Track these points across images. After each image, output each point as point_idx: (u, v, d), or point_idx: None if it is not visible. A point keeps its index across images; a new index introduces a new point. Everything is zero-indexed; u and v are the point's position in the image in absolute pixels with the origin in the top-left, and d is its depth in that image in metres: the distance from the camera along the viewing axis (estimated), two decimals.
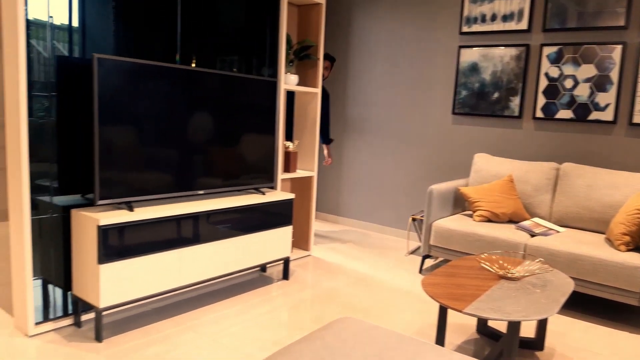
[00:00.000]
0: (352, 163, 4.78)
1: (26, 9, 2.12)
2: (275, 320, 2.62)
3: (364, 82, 4.65)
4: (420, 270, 3.55)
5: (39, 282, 2.32)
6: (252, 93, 3.01)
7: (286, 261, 3.23)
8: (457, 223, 3.28)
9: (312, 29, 3.71)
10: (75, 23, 2.32)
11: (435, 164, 4.24)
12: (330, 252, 3.95)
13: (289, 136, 3.94)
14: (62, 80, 2.29)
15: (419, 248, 4.19)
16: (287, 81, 3.50)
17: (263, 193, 3.14)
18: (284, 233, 3.16)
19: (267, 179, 3.20)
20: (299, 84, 3.81)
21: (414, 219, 3.93)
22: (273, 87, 3.15)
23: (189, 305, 2.75)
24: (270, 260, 3.09)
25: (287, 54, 3.51)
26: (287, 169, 3.60)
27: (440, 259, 3.92)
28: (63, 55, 2.28)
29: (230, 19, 3.07)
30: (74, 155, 2.37)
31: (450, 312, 2.86)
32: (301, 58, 3.64)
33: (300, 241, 3.86)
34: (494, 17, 3.84)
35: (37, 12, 2.19)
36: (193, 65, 2.87)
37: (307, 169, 3.81)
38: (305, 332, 2.49)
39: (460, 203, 3.71)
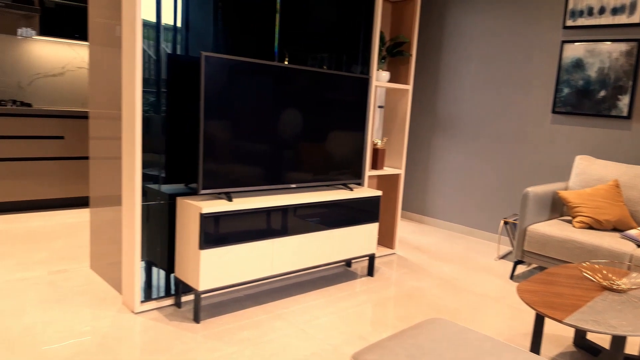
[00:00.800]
0: (441, 162, 4.68)
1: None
2: (360, 315, 2.64)
3: (456, 79, 4.53)
4: (512, 276, 3.41)
5: (144, 263, 2.51)
6: (344, 90, 3.05)
7: (371, 258, 3.24)
8: (555, 228, 3.11)
9: (406, 25, 3.67)
10: (179, 23, 2.47)
11: (532, 165, 4.05)
12: (415, 251, 3.90)
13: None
14: (171, 77, 2.45)
15: (510, 253, 4.03)
16: (379, 78, 3.49)
17: (351, 189, 3.17)
18: (370, 230, 3.17)
19: (355, 175, 3.22)
20: (389, 81, 3.79)
21: (506, 222, 3.78)
22: (365, 84, 3.16)
23: (279, 294, 2.85)
24: (356, 256, 3.11)
25: (380, 51, 3.51)
26: (375, 166, 3.60)
27: (534, 265, 3.74)
28: (174, 53, 2.44)
29: (324, 16, 3.11)
30: (180, 147, 2.53)
31: (545, 322, 2.72)
32: (394, 55, 3.62)
33: (385, 239, 3.85)
34: (602, 10, 3.58)
35: (145, 14, 2.36)
36: (286, 62, 2.95)
37: (394, 167, 3.79)
38: (390, 329, 2.49)
39: (558, 208, 3.51)
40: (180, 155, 2.54)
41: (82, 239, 3.57)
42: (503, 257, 3.90)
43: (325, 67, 3.18)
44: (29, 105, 4.26)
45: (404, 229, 4.60)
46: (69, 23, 4.42)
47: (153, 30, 2.38)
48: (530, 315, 2.80)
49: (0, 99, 4.36)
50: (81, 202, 4.51)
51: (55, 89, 4.67)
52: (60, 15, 4.35)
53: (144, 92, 2.39)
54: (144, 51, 2.36)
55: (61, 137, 4.24)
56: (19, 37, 4.41)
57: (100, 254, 2.90)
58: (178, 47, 2.47)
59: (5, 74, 4.37)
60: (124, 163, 2.44)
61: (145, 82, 2.38)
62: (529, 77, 4.03)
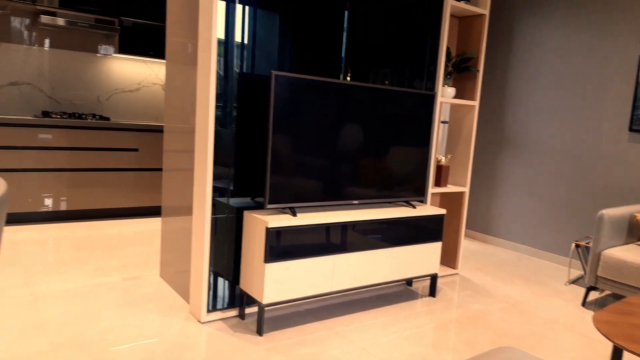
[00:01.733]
0: (507, 180, 4.54)
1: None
2: (422, 336, 2.59)
3: (524, 95, 4.39)
4: (584, 303, 3.23)
5: (211, 274, 2.59)
6: (409, 106, 3.03)
7: (433, 278, 3.18)
8: (633, 254, 2.93)
9: (473, 40, 3.61)
10: (247, 41, 2.55)
11: (605, 185, 3.84)
12: (479, 272, 3.79)
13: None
14: (240, 94, 2.54)
15: (581, 277, 3.83)
16: (444, 94, 3.45)
17: (413, 206, 3.13)
18: (433, 249, 3.11)
19: (417, 192, 3.18)
20: (455, 97, 3.73)
21: (577, 245, 3.60)
22: (431, 100, 3.13)
23: (339, 310, 2.85)
24: (418, 275, 3.07)
25: (446, 67, 3.47)
26: (438, 183, 3.54)
27: (607, 292, 3.53)
28: (244, 71, 2.53)
29: (389, 32, 3.12)
30: (247, 162, 2.61)
31: (625, 355, 2.56)
32: (460, 70, 3.57)
33: (448, 258, 3.77)
34: None
35: (217, 32, 2.46)
36: (349, 77, 2.98)
37: (458, 184, 3.71)
38: (453, 354, 2.42)
39: (635, 232, 3.31)
40: (247, 170, 2.61)
41: (154, 247, 3.74)
42: (574, 281, 3.71)
43: (388, 82, 3.18)
44: (107, 119, 4.53)
45: (467, 248, 4.49)
46: (145, 41, 4.68)
47: (222, 47, 2.48)
48: (606, 346, 2.64)
49: (81, 112, 4.67)
50: (153, 212, 4.72)
51: (131, 103, 4.95)
52: (137, 34, 4.62)
53: (218, 107, 2.48)
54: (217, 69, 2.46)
55: (136, 150, 4.47)
56: (100, 55, 4.71)
57: (169, 262, 3.03)
58: (245, 64, 2.55)
59: (87, 89, 4.68)
60: (196, 175, 2.54)
61: (220, 98, 2.48)
62: (603, 93, 3.84)
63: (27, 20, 4.31)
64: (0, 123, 3.82)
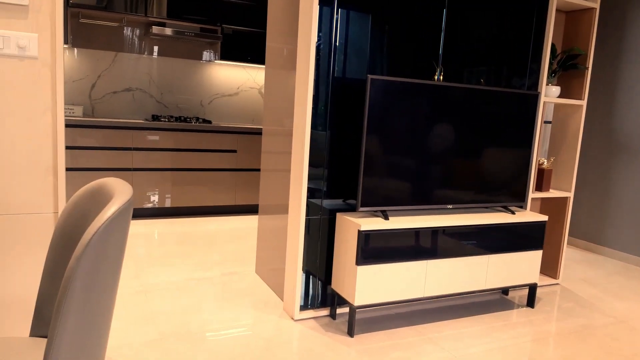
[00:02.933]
0: (617, 185, 4.19)
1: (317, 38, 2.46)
2: (519, 349, 2.47)
3: (636, 94, 4.02)
4: None
5: (304, 273, 2.66)
6: (509, 107, 2.90)
7: (532, 287, 3.02)
8: None
9: (581, 35, 3.37)
10: (339, 43, 2.58)
11: None
12: (583, 283, 3.53)
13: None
14: (336, 96, 2.58)
15: None
16: (548, 93, 3.26)
17: (512, 212, 2.99)
18: (533, 257, 2.96)
19: (517, 197, 3.04)
20: (560, 96, 3.51)
21: None
22: (534, 101, 2.97)
23: (431, 316, 2.80)
24: (515, 285, 2.93)
25: (550, 64, 3.27)
26: (540, 187, 3.36)
27: None
28: (338, 75, 2.57)
29: (489, 29, 3.01)
30: (340, 165, 2.65)
31: None
32: (566, 68, 3.35)
33: (548, 267, 3.56)
34: None
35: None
36: (441, 76, 2.90)
37: (562, 189, 3.49)
38: None
39: None
40: (340, 172, 2.65)
41: (250, 244, 3.91)
42: None
43: (483, 80, 3.06)
44: (209, 122, 4.81)
45: (570, 257, 4.20)
46: (244, 47, 4.90)
47: (318, 51, 2.53)
48: None
49: (186, 116, 5.00)
50: (250, 210, 4.94)
51: (230, 107, 5.21)
52: (237, 41, 4.85)
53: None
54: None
55: (234, 151, 4.70)
56: (203, 62, 5.01)
57: (264, 260, 3.16)
58: (338, 66, 2.58)
59: (191, 94, 5.00)
60: (293, 176, 2.62)
61: (315, 101, 2.55)
62: None
63: (139, 31, 4.69)
64: (116, 126, 4.20)
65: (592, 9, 3.29)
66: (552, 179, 3.56)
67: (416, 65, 2.80)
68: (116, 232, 0.94)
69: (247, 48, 4.91)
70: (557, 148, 3.54)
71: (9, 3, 1.80)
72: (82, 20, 4.40)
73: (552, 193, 3.37)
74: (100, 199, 1.11)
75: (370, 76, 2.42)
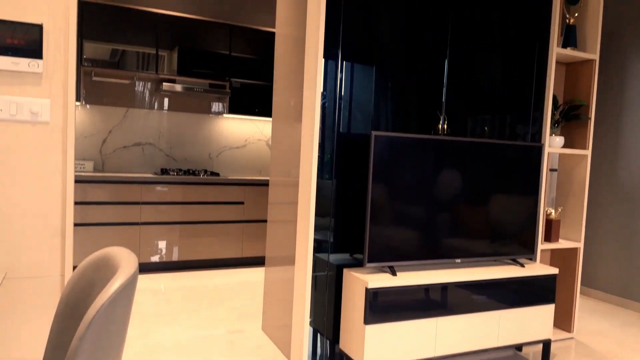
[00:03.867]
0: (627, 233, 4.13)
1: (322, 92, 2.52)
2: None
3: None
4: None
5: (311, 330, 2.61)
6: (514, 159, 2.92)
7: (546, 344, 2.93)
8: None
9: (582, 86, 3.42)
10: (344, 93, 2.64)
11: None
12: (599, 337, 3.43)
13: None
14: (342, 148, 2.61)
15: None
16: (552, 144, 3.28)
17: (522, 265, 2.95)
18: (545, 312, 2.89)
19: (525, 249, 3.00)
20: (564, 146, 3.53)
21: None
22: (538, 152, 2.99)
23: None
24: (528, 341, 2.85)
25: (553, 115, 3.31)
26: (549, 238, 3.32)
27: None
28: (342, 130, 2.61)
29: (491, 79, 3.06)
30: (347, 218, 2.65)
31: None
32: (569, 119, 3.38)
33: (561, 320, 3.47)
34: None
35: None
36: (445, 125, 2.94)
37: (571, 239, 3.45)
38: None
39: None
40: (347, 222, 2.65)
41: (257, 299, 3.87)
42: None
43: (487, 128, 3.09)
44: (217, 174, 4.86)
45: (583, 308, 4.10)
46: (251, 100, 5.01)
47: (323, 102, 2.58)
48: None
49: (194, 169, 5.06)
50: (257, 262, 4.91)
51: (238, 159, 5.28)
52: (244, 94, 4.97)
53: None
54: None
55: (241, 203, 4.73)
56: (212, 115, 5.12)
57: (271, 315, 3.11)
58: (343, 115, 2.63)
59: (200, 147, 5.08)
60: (299, 225, 2.62)
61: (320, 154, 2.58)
62: None
63: (150, 88, 4.83)
64: (125, 181, 4.25)
65: (591, 61, 3.36)
66: (560, 229, 3.53)
67: (420, 114, 2.85)
68: (120, 307, 0.94)
69: (255, 101, 5.03)
70: (564, 197, 3.53)
71: (24, 71, 1.87)
72: (94, 79, 4.55)
73: (562, 244, 3.33)
74: (105, 270, 1.11)
75: (374, 132, 2.45)
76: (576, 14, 3.39)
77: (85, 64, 4.28)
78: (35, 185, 1.91)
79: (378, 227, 2.50)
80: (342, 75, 2.61)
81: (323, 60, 2.52)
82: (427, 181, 2.64)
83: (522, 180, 2.97)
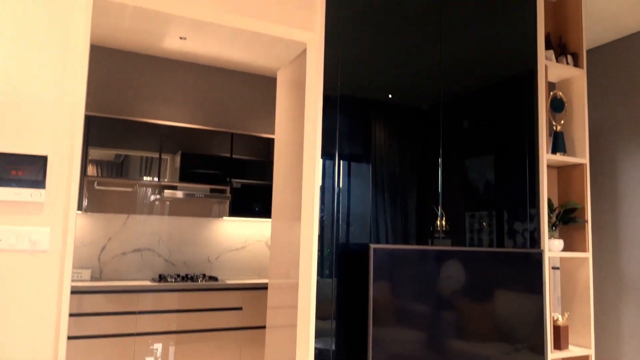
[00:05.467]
0: (638, 334, 4.00)
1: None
2: None
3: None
4: None
5: None
6: (514, 264, 2.89)
7: None
8: None
9: (575, 189, 3.48)
10: (341, 188, 2.67)
11: None
12: None
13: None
14: (339, 263, 2.60)
15: None
16: (551, 248, 3.27)
17: None
18: None
19: (535, 356, 2.89)
20: (564, 249, 3.51)
21: None
22: (538, 258, 2.97)
23: None
24: None
25: (549, 218, 3.33)
26: (558, 346, 3.20)
27: None
28: (341, 241, 2.62)
29: (483, 178, 3.12)
30: (347, 321, 2.57)
31: None
32: (566, 221, 3.40)
33: None
34: None
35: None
36: (444, 222, 2.94)
37: (581, 345, 3.33)
38: None
39: None
40: (348, 330, 2.56)
41: None
42: None
43: (485, 223, 3.09)
44: (215, 279, 4.80)
45: None
46: (251, 201, 5.07)
47: (321, 199, 2.61)
48: None
49: (193, 273, 5.01)
50: None
51: (237, 261, 5.23)
52: (244, 195, 5.04)
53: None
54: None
55: (240, 309, 4.62)
56: (212, 218, 5.16)
57: None
58: (342, 212, 2.64)
59: (199, 251, 5.06)
60: (299, 333, 2.53)
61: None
62: None
63: (151, 194, 4.91)
64: (122, 290, 4.19)
65: (582, 165, 3.44)
66: (570, 334, 3.42)
67: (418, 210, 2.86)
68: None
69: (255, 200, 5.09)
70: (569, 298, 3.45)
71: (26, 201, 1.91)
72: (97, 187, 4.64)
73: (572, 351, 3.21)
74: None
75: (372, 246, 2.46)
76: (562, 121, 3.53)
77: (89, 175, 4.38)
78: (29, 314, 1.88)
79: (381, 336, 2.42)
80: (339, 173, 2.66)
81: (321, 160, 2.60)
82: (429, 289, 2.60)
83: (525, 284, 2.92)
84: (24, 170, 1.88)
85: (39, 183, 1.91)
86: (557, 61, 3.49)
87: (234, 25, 2.46)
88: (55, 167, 1.95)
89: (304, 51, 2.85)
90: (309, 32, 2.66)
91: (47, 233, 1.92)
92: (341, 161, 2.67)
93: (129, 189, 4.81)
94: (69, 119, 2.00)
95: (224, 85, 5.34)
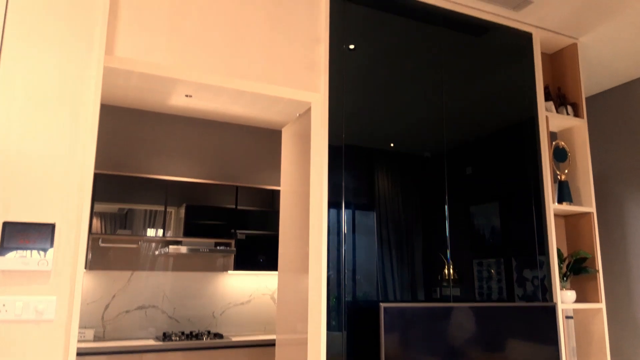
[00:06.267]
0: None
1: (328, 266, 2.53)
2: None
3: None
4: None
5: None
6: (527, 317, 2.83)
7: None
8: None
9: (584, 238, 3.44)
10: (345, 236, 2.64)
11: None
12: None
13: None
14: (349, 314, 2.54)
15: None
16: (564, 299, 3.21)
17: None
18: None
19: None
20: (577, 300, 3.44)
21: None
22: (551, 311, 2.91)
23: None
24: None
25: (560, 268, 3.28)
26: None
27: None
28: (350, 300, 2.57)
29: (490, 226, 3.08)
30: None
31: None
32: (577, 272, 3.35)
33: None
34: None
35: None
36: (452, 270, 2.89)
37: None
38: None
39: None
40: None
41: None
42: None
43: (494, 271, 3.02)
44: (220, 335, 4.69)
45: None
46: (256, 252, 5.03)
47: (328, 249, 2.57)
48: None
49: (197, 330, 4.90)
50: None
51: (243, 316, 5.13)
52: (249, 246, 5.00)
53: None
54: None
55: None
56: (216, 273, 5.10)
57: None
58: (348, 281, 2.60)
59: (204, 306, 4.98)
60: None
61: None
62: None
63: (156, 250, 4.88)
64: (124, 351, 4.09)
65: (589, 214, 3.42)
66: None
67: (425, 259, 2.81)
68: None
69: (260, 252, 5.04)
70: (585, 352, 3.35)
71: (33, 270, 1.90)
72: (102, 245, 4.62)
73: None
74: None
75: (383, 305, 2.41)
76: (566, 170, 3.54)
77: (93, 232, 4.37)
78: None
79: None
80: (345, 221, 2.65)
81: (327, 208, 2.60)
82: (441, 343, 2.53)
83: (539, 335, 2.84)
84: (32, 238, 1.88)
85: (46, 251, 1.90)
86: (557, 112, 3.53)
87: (239, 89, 2.51)
88: (63, 235, 1.95)
89: (309, 108, 2.90)
90: (314, 93, 2.71)
91: (53, 302, 1.89)
92: (347, 209, 2.67)
93: (134, 245, 4.78)
94: (78, 187, 2.01)
95: (229, 139, 5.41)
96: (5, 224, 1.86)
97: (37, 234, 1.89)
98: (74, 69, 2.09)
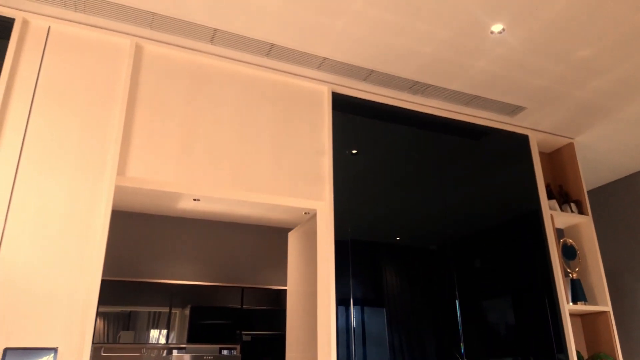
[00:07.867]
0: None
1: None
2: None
3: None
4: None
5: None
6: None
7: None
8: None
9: (603, 338, 3.30)
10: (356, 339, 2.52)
11: None
12: None
13: None
14: None
15: None
16: None
17: None
18: None
19: None
20: None
21: None
22: None
23: None
24: None
25: None
26: None
27: None
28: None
29: (505, 324, 2.96)
30: None
31: None
32: None
33: None
34: None
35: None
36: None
37: None
38: None
39: None
40: None
41: None
42: None
43: None
44: None
45: None
46: (261, 356, 4.83)
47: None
48: None
49: None
50: None
51: None
52: (255, 348, 4.81)
53: None
54: None
55: None
56: None
57: None
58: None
59: None
60: None
61: None
62: None
63: (159, 356, 4.71)
64: None
65: (605, 312, 3.31)
66: None
67: (438, 356, 2.68)
68: None
69: (265, 354, 4.84)
70: None
71: None
72: (103, 354, 4.47)
73: None
74: None
75: None
76: (577, 268, 3.49)
77: (95, 342, 4.26)
78: None
79: None
80: (354, 317, 2.56)
81: (335, 308, 2.52)
82: None
83: None
84: None
85: None
86: (561, 209, 3.55)
87: (247, 200, 2.56)
88: (66, 358, 1.90)
89: (315, 214, 2.93)
90: (319, 202, 2.75)
91: None
92: (355, 305, 2.60)
93: (137, 354, 4.63)
94: (81, 313, 2.00)
95: (235, 238, 5.42)
96: (6, 350, 1.83)
97: (41, 359, 1.85)
98: (85, 195, 2.15)
